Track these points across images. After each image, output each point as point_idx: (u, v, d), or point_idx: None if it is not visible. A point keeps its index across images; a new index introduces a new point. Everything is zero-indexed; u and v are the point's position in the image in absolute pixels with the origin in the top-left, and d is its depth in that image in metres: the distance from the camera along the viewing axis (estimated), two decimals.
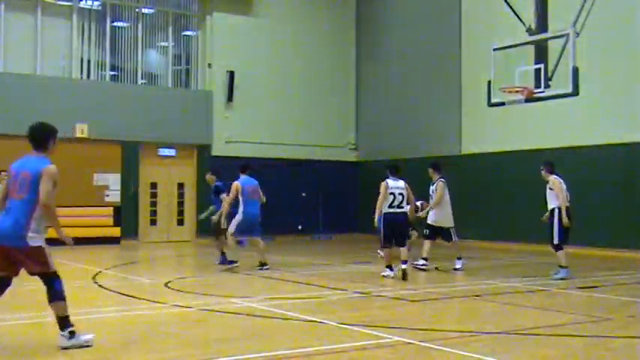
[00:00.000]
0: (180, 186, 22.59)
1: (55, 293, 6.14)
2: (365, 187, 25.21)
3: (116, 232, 20.86)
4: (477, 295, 10.03)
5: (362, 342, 6.59)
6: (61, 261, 15.19)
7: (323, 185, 24.42)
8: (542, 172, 12.37)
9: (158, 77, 23.52)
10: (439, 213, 13.63)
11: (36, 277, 6.27)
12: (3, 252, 6.04)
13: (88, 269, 13.37)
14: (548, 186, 12.21)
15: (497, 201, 20.51)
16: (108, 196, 20.96)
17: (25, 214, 6.05)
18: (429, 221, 13.68)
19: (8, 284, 6.27)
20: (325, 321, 7.67)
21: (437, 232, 13.63)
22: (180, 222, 22.58)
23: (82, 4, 21.83)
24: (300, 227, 24.07)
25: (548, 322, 7.86)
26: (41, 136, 6.35)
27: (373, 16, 25.31)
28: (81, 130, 20.69)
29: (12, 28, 20.65)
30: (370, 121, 25.45)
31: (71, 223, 20.12)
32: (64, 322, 6.16)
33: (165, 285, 10.91)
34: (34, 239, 6.08)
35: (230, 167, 22.94)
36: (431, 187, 13.95)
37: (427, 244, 13.45)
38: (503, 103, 18.24)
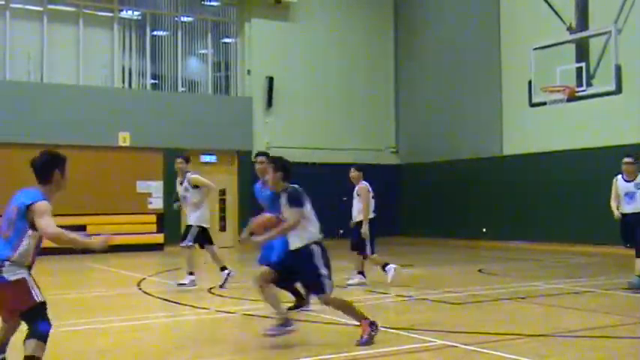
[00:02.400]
0: (222, 192, 22.78)
1: (36, 329, 5.09)
2: (406, 190, 25.14)
3: (159, 238, 21.11)
4: (521, 297, 9.92)
5: (407, 345, 6.57)
6: (105, 268, 15.46)
7: None
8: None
9: (198, 84, 23.78)
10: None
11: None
12: None
13: (133, 276, 13.56)
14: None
15: (540, 202, 20.25)
16: (151, 203, 21.24)
17: (6, 250, 5.07)
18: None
19: None
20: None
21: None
22: (223, 228, 22.76)
23: (122, 15, 22.20)
24: (341, 232, 24.02)
25: (595, 324, 7.74)
26: (41, 166, 5.46)
27: (411, 18, 25.24)
28: (123, 139, 21.02)
29: (55, 39, 21.08)
30: (410, 124, 25.36)
31: (115, 230, 20.49)
32: None
33: (209, 291, 11.01)
34: (11, 273, 5.04)
35: None
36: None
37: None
38: (544, 103, 18.03)
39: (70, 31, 21.33)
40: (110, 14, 21.90)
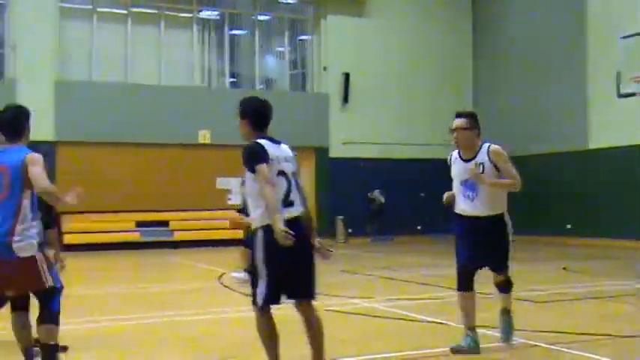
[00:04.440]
0: None
1: (50, 315, 4.82)
2: None
3: (239, 234, 21.34)
4: (609, 297, 9.57)
5: (487, 344, 6.41)
6: (187, 262, 15.77)
7: (442, 185, 24.07)
8: None
9: (275, 82, 23.98)
10: None
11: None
12: None
13: (213, 270, 13.78)
14: None
15: (628, 197, 19.51)
16: (230, 199, 21.52)
17: (7, 218, 4.70)
18: None
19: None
20: (449, 322, 7.53)
21: None
22: None
23: (201, 15, 22.61)
24: (419, 227, 23.85)
25: None
26: (13, 121, 5.02)
27: (490, 9, 24.73)
28: (203, 136, 21.42)
29: (138, 41, 21.64)
30: (490, 118, 24.81)
31: (196, 226, 20.96)
32: (53, 351, 4.85)
33: None
34: (23, 249, 4.71)
35: (349, 168, 23.25)
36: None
37: None
38: (634, 94, 17.34)
39: (152, 33, 21.87)
40: (190, 15, 22.34)
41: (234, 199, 21.41)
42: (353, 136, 23.20)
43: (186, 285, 12.00)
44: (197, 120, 21.33)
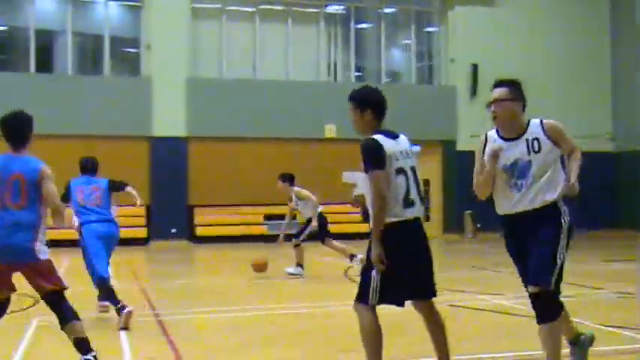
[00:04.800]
0: (426, 182, 22.59)
1: (69, 311, 5.02)
2: (624, 179, 23.42)
3: (365, 227, 21.34)
4: None
5: (624, 345, 6.03)
6: (312, 257, 15.91)
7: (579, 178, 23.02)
8: None
9: (401, 75, 23.78)
10: None
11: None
12: (10, 271, 5.01)
13: (339, 264, 13.82)
14: None
15: None
16: (356, 191, 21.56)
17: (29, 225, 4.93)
18: None
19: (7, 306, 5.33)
20: (584, 321, 7.14)
21: None
22: (427, 218, 22.59)
23: (328, 10, 22.75)
24: None
25: None
26: (21, 127, 5.10)
27: None
28: (329, 130, 21.55)
29: (266, 37, 22.09)
30: (629, 109, 23.54)
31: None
32: (85, 344, 4.99)
33: None
34: (43, 252, 4.99)
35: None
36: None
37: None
38: None
39: (280, 29, 22.24)
40: (317, 10, 22.54)
41: (360, 190, 21.45)
42: (481, 128, 22.59)
43: (314, 277, 12.07)
44: (323, 115, 21.50)
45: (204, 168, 20.66)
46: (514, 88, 4.90)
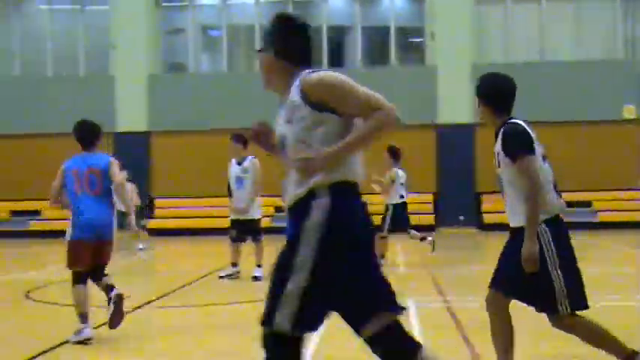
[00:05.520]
0: None
1: (104, 272, 6.19)
2: None
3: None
4: None
5: None
6: (607, 245, 14.89)
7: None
8: None
9: None
10: None
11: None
12: (95, 247, 6.07)
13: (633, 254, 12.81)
14: None
15: None
16: None
17: (108, 209, 6.14)
18: None
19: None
20: None
21: None
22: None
23: None
24: None
25: None
26: (93, 134, 6.26)
27: None
28: (628, 112, 20.09)
29: (552, 18, 21.16)
30: None
31: (619, 207, 19.68)
32: (112, 287, 6.09)
33: None
34: (114, 232, 6.30)
35: None
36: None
37: None
38: None
39: (567, 8, 21.19)
40: None
41: None
42: None
43: (607, 269, 11.24)
44: (621, 95, 20.03)
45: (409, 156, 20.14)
46: None
